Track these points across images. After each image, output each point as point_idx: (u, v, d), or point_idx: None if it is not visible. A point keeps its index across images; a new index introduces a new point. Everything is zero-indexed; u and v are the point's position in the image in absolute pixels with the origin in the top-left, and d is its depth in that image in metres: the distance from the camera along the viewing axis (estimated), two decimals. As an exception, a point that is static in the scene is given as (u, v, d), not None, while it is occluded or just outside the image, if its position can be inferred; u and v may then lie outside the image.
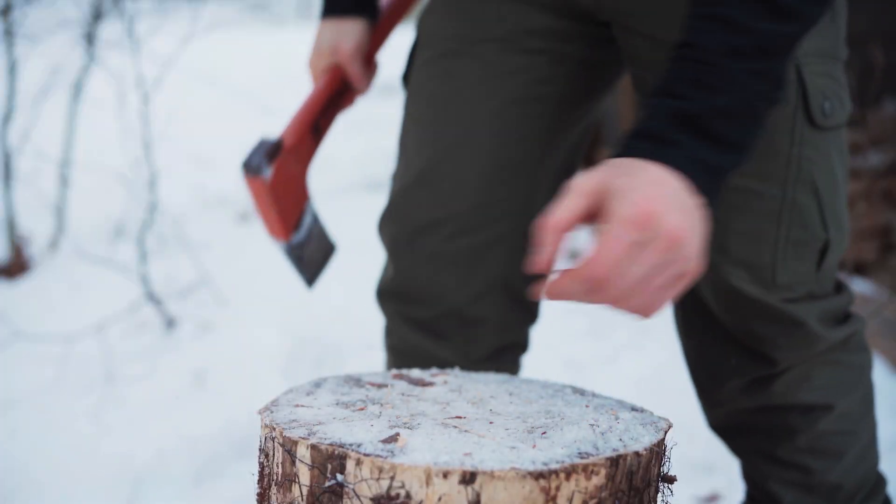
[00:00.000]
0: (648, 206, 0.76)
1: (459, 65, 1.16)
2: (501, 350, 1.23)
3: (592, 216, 0.81)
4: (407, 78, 1.25)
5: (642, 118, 0.85)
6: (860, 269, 2.84)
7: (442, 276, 1.18)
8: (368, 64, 1.33)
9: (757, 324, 1.06)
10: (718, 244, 1.03)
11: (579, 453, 0.77)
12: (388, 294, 1.25)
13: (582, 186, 0.80)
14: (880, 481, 1.16)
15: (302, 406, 0.87)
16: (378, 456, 0.73)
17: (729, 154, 0.84)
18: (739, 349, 1.09)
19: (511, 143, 1.15)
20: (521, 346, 1.27)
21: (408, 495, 0.72)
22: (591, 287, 0.77)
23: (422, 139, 1.19)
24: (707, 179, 0.82)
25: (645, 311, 0.81)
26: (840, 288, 1.11)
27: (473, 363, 1.19)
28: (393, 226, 1.23)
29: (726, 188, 0.87)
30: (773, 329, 1.06)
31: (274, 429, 0.81)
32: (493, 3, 1.14)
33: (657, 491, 0.84)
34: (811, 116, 1.02)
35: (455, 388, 0.96)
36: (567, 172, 1.21)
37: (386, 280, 1.26)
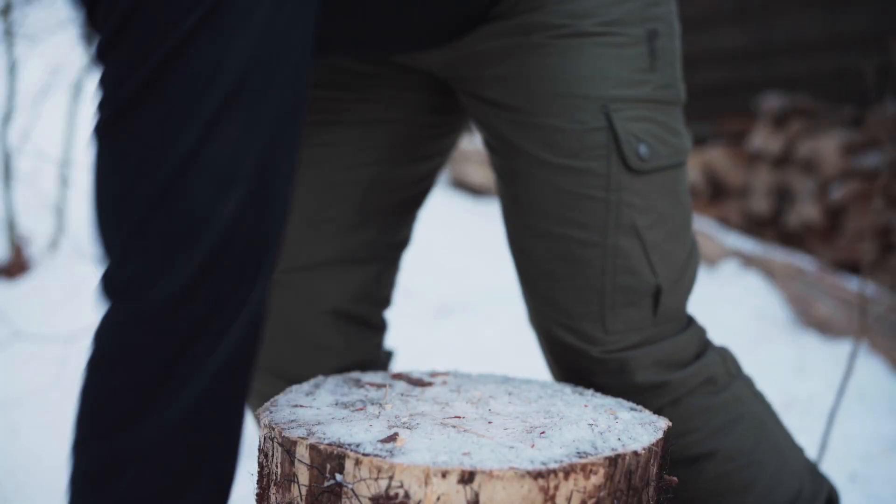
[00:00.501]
0: None
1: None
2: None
3: None
4: None
5: None
6: (858, 269, 2.84)
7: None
8: None
9: (591, 376, 1.05)
10: (545, 295, 1.05)
11: (578, 453, 0.77)
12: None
13: None
14: (821, 485, 1.14)
15: (301, 406, 0.87)
16: (377, 456, 0.73)
17: None
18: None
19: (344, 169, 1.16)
20: (373, 363, 1.24)
21: (406, 495, 0.72)
22: None
23: None
24: None
25: None
26: (689, 324, 1.10)
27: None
28: None
29: None
30: (607, 379, 1.04)
31: (273, 429, 0.81)
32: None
33: (656, 490, 0.84)
34: (626, 161, 1.02)
35: (454, 388, 0.96)
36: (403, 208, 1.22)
37: None
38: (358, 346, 1.20)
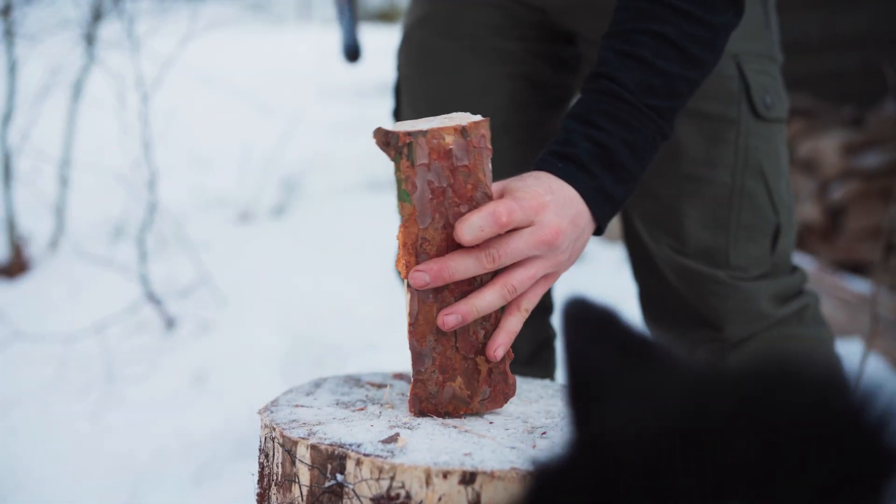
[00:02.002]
0: (542, 199, 0.83)
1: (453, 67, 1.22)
2: (537, 350, 1.28)
3: None
4: (398, 114, 1.28)
5: (562, 139, 0.91)
6: (860, 269, 2.83)
7: None
8: None
9: (711, 296, 1.13)
10: (674, 230, 1.13)
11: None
12: None
13: (528, 205, 0.85)
14: None
15: (302, 406, 0.87)
16: (378, 456, 0.73)
17: (626, 185, 0.91)
18: (694, 319, 1.15)
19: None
20: (551, 338, 1.33)
21: (408, 495, 0.72)
22: (502, 225, 0.81)
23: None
24: (605, 208, 0.89)
25: (510, 290, 0.84)
26: (794, 270, 1.19)
27: (518, 368, 1.22)
28: None
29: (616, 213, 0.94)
30: (725, 302, 1.13)
31: (274, 429, 0.81)
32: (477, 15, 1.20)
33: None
34: (755, 108, 1.12)
35: (455, 388, 0.96)
36: None
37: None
38: (543, 325, 1.30)
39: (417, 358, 0.85)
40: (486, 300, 0.83)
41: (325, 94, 5.57)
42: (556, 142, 0.91)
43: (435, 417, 0.85)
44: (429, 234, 0.81)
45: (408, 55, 1.24)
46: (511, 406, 0.90)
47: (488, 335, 0.86)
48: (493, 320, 0.86)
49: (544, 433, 0.81)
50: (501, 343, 0.85)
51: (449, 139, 0.80)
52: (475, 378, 0.86)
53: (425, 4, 1.23)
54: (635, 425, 0.39)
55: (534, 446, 0.77)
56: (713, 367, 0.42)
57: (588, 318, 0.46)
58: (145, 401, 2.20)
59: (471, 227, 0.80)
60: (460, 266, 0.82)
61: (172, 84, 3.29)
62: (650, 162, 0.93)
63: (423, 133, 0.80)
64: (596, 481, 0.38)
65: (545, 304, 1.30)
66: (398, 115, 1.29)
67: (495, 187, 0.86)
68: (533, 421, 0.85)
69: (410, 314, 0.84)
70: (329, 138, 4.78)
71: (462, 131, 0.80)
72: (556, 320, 1.32)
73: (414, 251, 0.82)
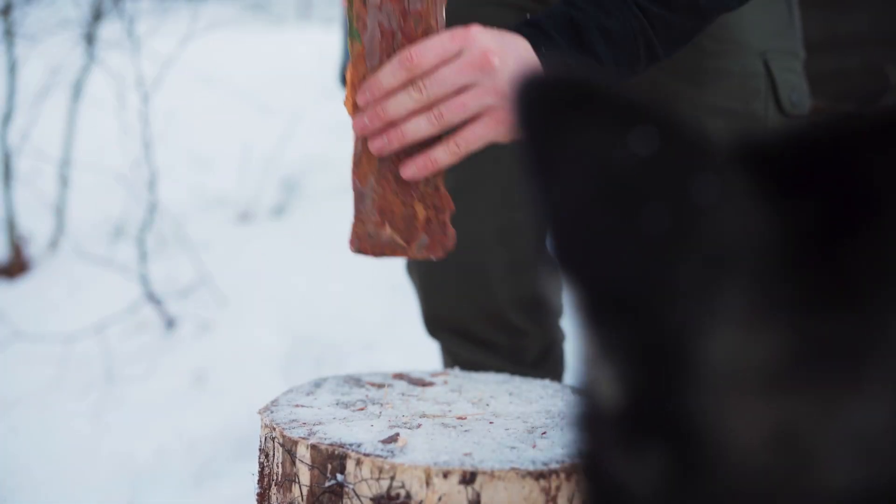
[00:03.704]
0: (472, 30, 0.82)
1: None
2: (545, 351, 1.28)
3: None
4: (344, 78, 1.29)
5: (538, 15, 0.89)
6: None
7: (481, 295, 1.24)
8: None
9: None
10: None
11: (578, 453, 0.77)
12: (441, 324, 1.28)
13: (451, 33, 0.83)
14: None
15: (302, 406, 0.87)
16: (378, 456, 0.73)
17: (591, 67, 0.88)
18: None
19: None
20: (559, 340, 1.33)
21: (408, 495, 0.72)
22: (406, 71, 0.80)
23: None
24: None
25: (437, 115, 0.82)
26: None
27: (527, 370, 1.23)
28: (423, 261, 1.27)
29: None
30: None
31: (274, 429, 0.81)
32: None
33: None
34: (781, 106, 1.11)
35: (455, 388, 0.96)
36: None
37: (432, 311, 1.28)
38: (551, 326, 1.30)
39: (358, 197, 0.87)
40: (412, 124, 0.83)
41: (325, 94, 5.56)
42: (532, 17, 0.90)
43: (435, 417, 0.85)
44: (375, 72, 0.83)
45: None
46: (511, 406, 0.90)
47: (428, 182, 0.86)
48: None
49: (544, 433, 0.81)
50: (414, 163, 0.84)
51: None
52: (413, 224, 0.87)
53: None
54: None
55: (534, 446, 0.77)
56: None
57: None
58: (145, 401, 2.20)
59: (384, 73, 0.81)
60: (392, 102, 0.82)
61: (172, 84, 3.29)
62: (628, 60, 0.89)
63: None
64: None
65: (553, 306, 1.29)
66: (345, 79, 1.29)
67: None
68: (533, 421, 0.85)
69: (354, 154, 0.86)
70: (329, 138, 4.77)
71: None
72: (566, 323, 1.33)
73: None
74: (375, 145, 0.84)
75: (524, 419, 0.85)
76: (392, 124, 0.84)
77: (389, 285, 2.77)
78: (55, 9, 3.29)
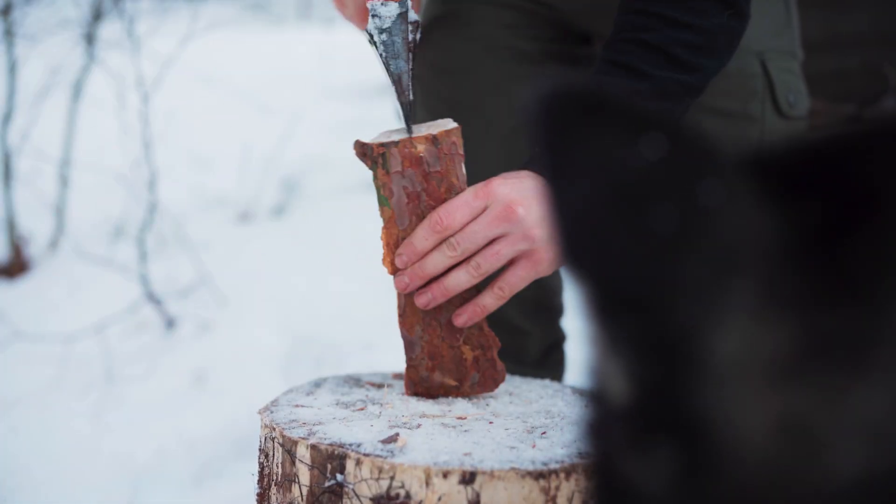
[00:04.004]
0: (493, 184, 0.86)
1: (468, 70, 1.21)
2: (547, 352, 1.28)
3: None
4: None
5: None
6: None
7: None
8: None
9: None
10: None
11: (579, 453, 0.77)
12: None
13: (474, 191, 0.87)
14: None
15: (302, 406, 0.87)
16: (378, 456, 0.73)
17: None
18: None
19: None
20: (561, 340, 1.34)
21: (408, 495, 0.72)
22: (438, 234, 0.85)
23: None
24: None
25: (474, 266, 0.87)
26: None
27: (528, 370, 1.23)
28: None
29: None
30: None
31: (274, 429, 0.81)
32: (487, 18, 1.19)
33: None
34: (778, 106, 1.11)
35: (455, 388, 0.96)
36: None
37: None
38: (553, 327, 1.32)
39: (408, 346, 0.92)
40: (453, 278, 0.87)
41: (325, 94, 5.56)
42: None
43: (435, 417, 0.85)
44: (408, 233, 0.88)
45: (422, 54, 1.25)
46: (511, 406, 0.90)
47: (472, 324, 0.91)
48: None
49: (544, 433, 0.81)
50: (465, 312, 0.89)
51: (420, 147, 0.86)
52: (462, 365, 0.92)
53: (440, 4, 1.23)
54: None
55: (534, 446, 0.77)
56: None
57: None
58: (145, 401, 2.20)
59: (417, 237, 0.87)
60: (429, 262, 0.87)
61: (172, 84, 3.29)
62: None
63: (395, 144, 0.86)
64: None
65: (555, 306, 1.29)
66: None
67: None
68: (533, 421, 0.85)
69: (399, 306, 0.91)
70: (329, 138, 4.78)
71: (433, 140, 0.86)
72: (566, 324, 1.33)
73: (396, 250, 0.89)
74: (421, 301, 0.89)
75: (524, 419, 0.85)
76: (432, 280, 0.89)
77: (390, 285, 2.77)
78: (55, 9, 3.29)
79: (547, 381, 1.02)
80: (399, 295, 0.91)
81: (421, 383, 0.92)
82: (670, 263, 0.34)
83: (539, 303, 1.26)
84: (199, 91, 4.07)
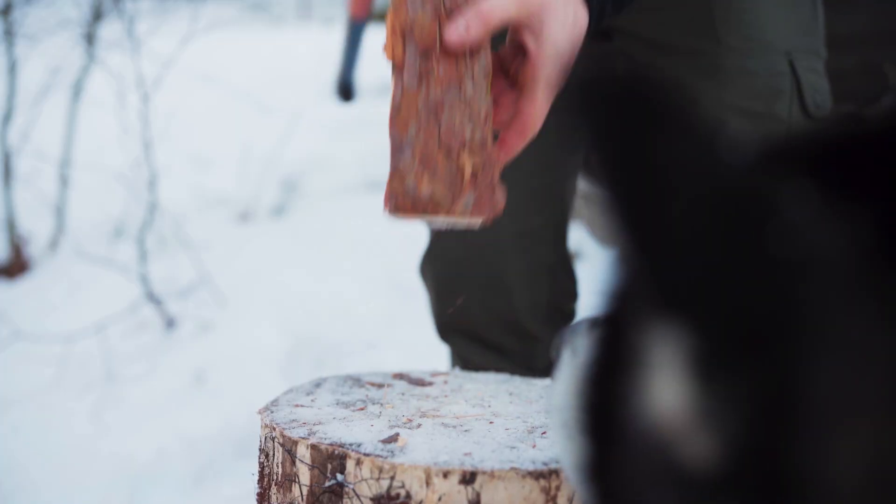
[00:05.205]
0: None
1: None
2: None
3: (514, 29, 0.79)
4: None
5: None
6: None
7: (497, 302, 1.23)
8: None
9: None
10: None
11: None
12: (453, 328, 1.28)
13: None
14: None
15: (302, 406, 0.87)
16: (378, 456, 0.73)
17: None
18: None
19: (541, 170, 1.18)
20: None
21: (408, 495, 0.72)
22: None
23: None
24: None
25: None
26: None
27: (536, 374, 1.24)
28: (437, 264, 1.26)
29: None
30: None
31: (274, 429, 0.81)
32: None
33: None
34: (805, 108, 1.08)
35: (455, 387, 0.96)
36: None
37: (445, 315, 1.28)
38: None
39: (396, 149, 0.79)
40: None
41: (325, 94, 5.56)
42: None
43: (435, 417, 0.85)
44: (419, 18, 0.77)
45: None
46: (511, 406, 0.90)
47: (475, 132, 0.78)
48: (481, 118, 0.79)
49: (544, 433, 0.81)
50: (462, 17, 0.75)
51: None
52: (458, 179, 0.78)
53: None
54: None
55: (534, 446, 0.77)
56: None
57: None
58: (145, 401, 2.20)
59: (456, 28, 0.75)
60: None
61: (172, 84, 3.29)
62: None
63: None
64: None
65: (567, 313, 1.29)
66: None
67: None
68: (533, 421, 0.85)
69: (393, 101, 0.79)
70: (329, 138, 4.78)
71: None
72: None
73: (402, 36, 0.78)
74: (454, 35, 0.75)
75: (524, 419, 0.86)
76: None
77: (390, 285, 2.77)
78: (55, 9, 3.29)
79: (548, 381, 1.02)
80: (395, 89, 0.78)
81: (404, 196, 0.77)
82: (792, 292, 0.28)
83: (554, 308, 1.26)
84: (199, 91, 4.07)
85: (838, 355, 0.29)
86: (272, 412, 0.85)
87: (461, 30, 0.74)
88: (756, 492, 0.29)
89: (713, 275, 0.29)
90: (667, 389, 0.32)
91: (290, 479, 0.78)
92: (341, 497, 0.74)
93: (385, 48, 0.78)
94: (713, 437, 0.30)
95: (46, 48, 3.09)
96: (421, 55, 0.77)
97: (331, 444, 0.75)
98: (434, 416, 0.85)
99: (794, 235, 0.29)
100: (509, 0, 0.74)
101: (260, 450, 0.85)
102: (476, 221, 0.79)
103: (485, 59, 0.78)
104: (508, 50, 0.81)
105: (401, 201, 0.78)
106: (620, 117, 0.31)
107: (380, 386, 0.96)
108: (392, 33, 0.78)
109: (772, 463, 0.29)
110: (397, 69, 0.78)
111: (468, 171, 0.78)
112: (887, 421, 0.28)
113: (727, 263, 0.29)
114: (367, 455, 0.73)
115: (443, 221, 0.78)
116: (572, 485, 0.35)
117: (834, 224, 0.30)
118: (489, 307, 1.23)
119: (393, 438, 0.77)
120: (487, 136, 0.79)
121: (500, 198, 0.80)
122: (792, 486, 0.29)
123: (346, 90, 1.28)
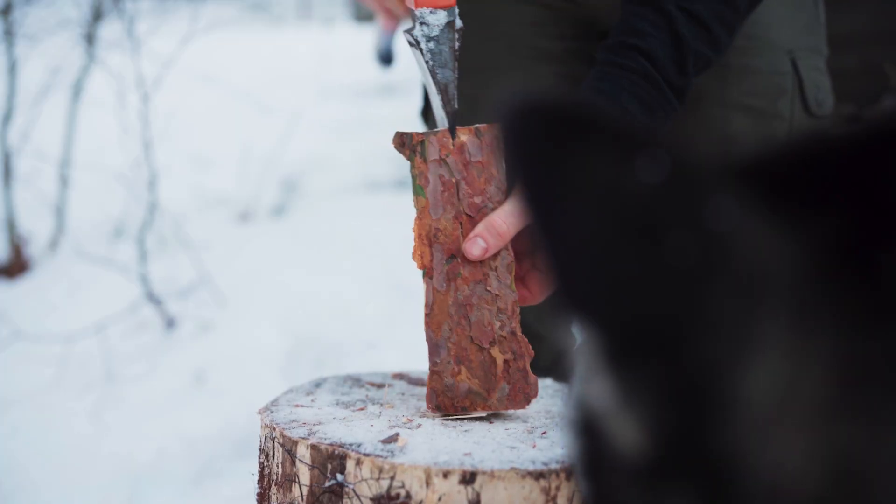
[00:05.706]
0: None
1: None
2: (557, 358, 1.28)
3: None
4: (426, 113, 1.25)
5: None
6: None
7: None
8: None
9: None
10: None
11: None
12: None
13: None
14: None
15: (302, 406, 0.87)
16: (378, 456, 0.73)
17: None
18: None
19: None
20: (571, 346, 1.32)
21: (408, 495, 0.72)
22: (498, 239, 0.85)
23: None
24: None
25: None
26: None
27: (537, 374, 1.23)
28: None
29: None
30: None
31: (274, 429, 0.81)
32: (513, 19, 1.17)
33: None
34: (807, 106, 1.09)
35: (455, 387, 0.96)
36: None
37: None
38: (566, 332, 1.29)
39: (433, 349, 0.86)
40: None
41: (325, 94, 5.56)
42: None
43: (435, 417, 0.85)
44: (441, 224, 0.86)
45: None
46: (511, 406, 0.90)
47: (503, 327, 0.87)
48: (508, 311, 0.87)
49: (544, 433, 0.81)
50: (479, 233, 0.86)
51: (463, 137, 0.87)
52: (491, 371, 0.86)
53: (462, 2, 1.21)
54: None
55: (534, 446, 0.77)
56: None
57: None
58: (145, 401, 2.20)
59: (474, 244, 0.85)
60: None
61: (172, 84, 3.29)
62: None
63: (435, 133, 0.86)
64: None
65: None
66: (426, 115, 1.26)
67: None
68: (533, 421, 0.85)
69: (426, 304, 0.87)
70: (329, 138, 4.77)
71: (475, 131, 0.87)
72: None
73: (428, 241, 0.86)
74: (475, 250, 0.85)
75: (524, 419, 0.85)
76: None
77: (390, 285, 2.77)
78: (55, 9, 3.29)
79: (548, 381, 1.02)
80: (427, 292, 0.87)
81: (445, 392, 0.86)
82: (691, 297, 0.31)
83: (558, 308, 1.26)
84: (199, 91, 4.07)
85: (770, 355, 0.30)
86: (272, 412, 0.85)
87: (481, 248, 0.84)
88: (693, 477, 0.31)
89: (619, 282, 0.32)
90: (593, 385, 0.34)
91: (290, 479, 0.78)
92: (341, 497, 0.74)
93: (413, 255, 0.87)
94: (636, 424, 0.33)
95: (46, 48, 3.09)
96: (447, 258, 0.87)
97: (331, 444, 0.75)
98: (434, 416, 0.85)
99: (698, 244, 0.31)
100: (519, 214, 0.84)
101: (260, 450, 0.85)
102: (513, 409, 0.87)
103: (507, 256, 0.87)
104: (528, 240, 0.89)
105: (441, 399, 0.86)
106: (538, 136, 0.33)
107: (380, 386, 0.96)
108: (419, 240, 0.87)
109: (699, 449, 0.31)
110: (427, 273, 0.87)
111: (500, 363, 0.87)
112: (832, 420, 0.30)
113: (632, 271, 0.31)
114: (367, 455, 0.73)
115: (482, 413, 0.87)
116: (577, 484, 0.37)
117: (764, 233, 0.31)
118: None
119: (393, 438, 0.77)
120: (516, 327, 0.87)
121: (534, 386, 0.87)
122: (724, 472, 0.31)
123: (387, 56, 1.31)
